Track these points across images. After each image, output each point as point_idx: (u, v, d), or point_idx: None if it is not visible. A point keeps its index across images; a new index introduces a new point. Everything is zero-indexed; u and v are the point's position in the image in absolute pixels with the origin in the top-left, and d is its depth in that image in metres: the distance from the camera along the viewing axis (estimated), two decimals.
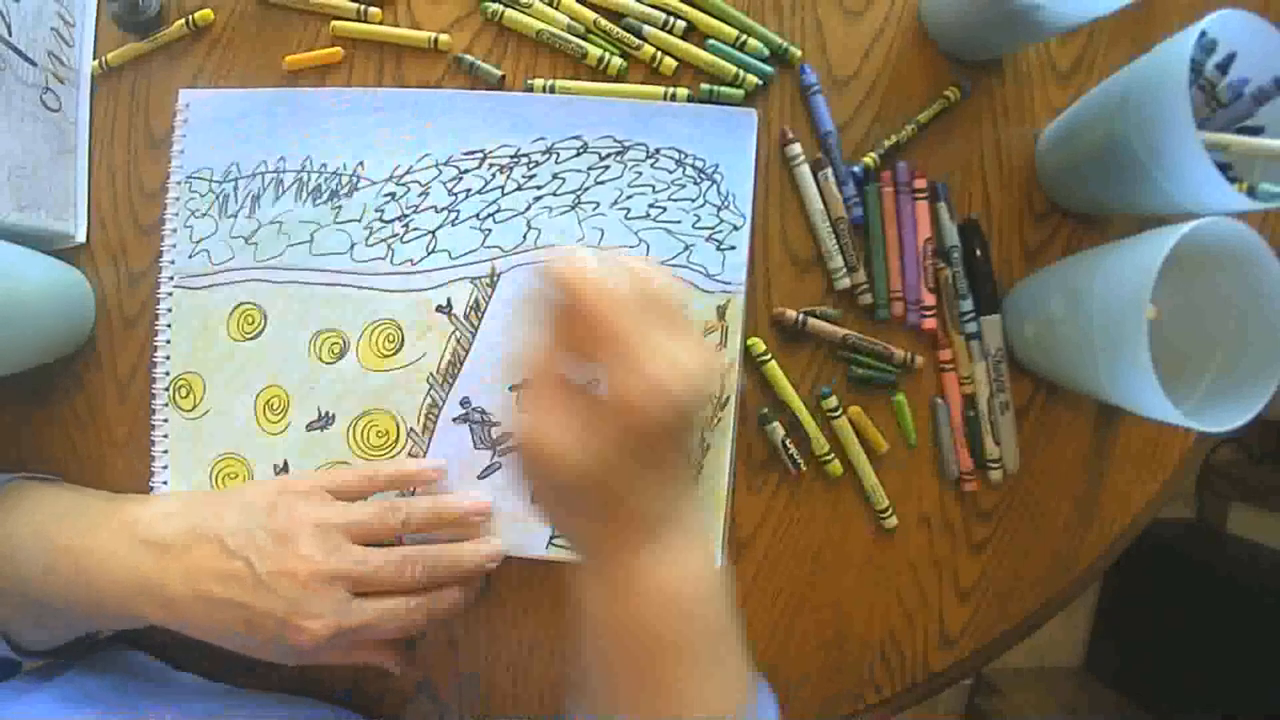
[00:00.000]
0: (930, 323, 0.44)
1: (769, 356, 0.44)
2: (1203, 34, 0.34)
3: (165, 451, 0.45)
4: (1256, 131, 0.37)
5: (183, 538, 0.37)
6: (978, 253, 0.44)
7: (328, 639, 0.37)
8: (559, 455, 0.29)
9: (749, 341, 0.44)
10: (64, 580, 0.37)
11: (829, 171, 0.44)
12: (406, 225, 0.44)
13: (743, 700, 0.34)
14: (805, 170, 0.44)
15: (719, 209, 0.44)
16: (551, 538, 0.44)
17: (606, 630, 0.33)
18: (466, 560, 0.41)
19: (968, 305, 0.44)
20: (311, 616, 0.36)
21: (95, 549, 0.37)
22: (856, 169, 0.44)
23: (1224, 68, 0.37)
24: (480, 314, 0.44)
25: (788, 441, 0.44)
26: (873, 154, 0.44)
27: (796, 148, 0.44)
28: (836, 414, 0.44)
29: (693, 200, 0.44)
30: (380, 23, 0.45)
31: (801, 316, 0.44)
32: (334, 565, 0.37)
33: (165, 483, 0.45)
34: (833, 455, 0.44)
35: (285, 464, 0.44)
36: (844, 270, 0.44)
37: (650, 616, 0.32)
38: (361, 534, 0.39)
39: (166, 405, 0.45)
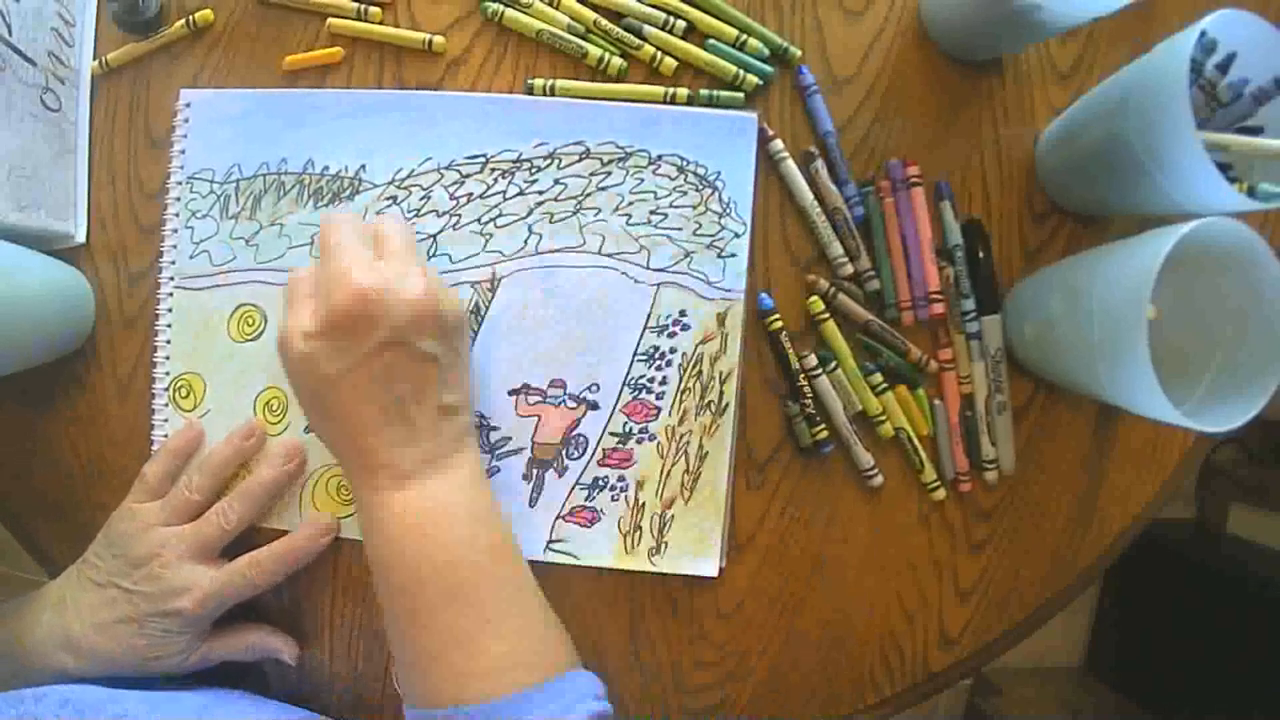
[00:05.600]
0: (938, 308, 0.44)
1: (826, 315, 0.44)
2: (1203, 34, 0.34)
3: None
4: (1256, 131, 0.37)
5: None
6: (980, 254, 0.44)
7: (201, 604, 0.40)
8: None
9: (808, 301, 0.44)
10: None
11: (820, 163, 0.44)
12: None
13: (519, 651, 0.35)
14: (790, 164, 0.44)
15: (720, 216, 0.44)
16: (549, 541, 0.44)
17: (371, 560, 0.37)
18: (263, 478, 0.43)
19: (969, 305, 0.44)
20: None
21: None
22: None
23: (1224, 68, 0.37)
24: (480, 318, 0.44)
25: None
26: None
27: (778, 143, 0.44)
28: (883, 389, 0.44)
29: (694, 207, 0.44)
30: (380, 22, 0.45)
31: (832, 288, 0.44)
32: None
33: None
34: (885, 417, 0.44)
35: None
36: (844, 258, 0.44)
37: (395, 548, 0.36)
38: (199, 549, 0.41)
39: (167, 405, 0.45)
